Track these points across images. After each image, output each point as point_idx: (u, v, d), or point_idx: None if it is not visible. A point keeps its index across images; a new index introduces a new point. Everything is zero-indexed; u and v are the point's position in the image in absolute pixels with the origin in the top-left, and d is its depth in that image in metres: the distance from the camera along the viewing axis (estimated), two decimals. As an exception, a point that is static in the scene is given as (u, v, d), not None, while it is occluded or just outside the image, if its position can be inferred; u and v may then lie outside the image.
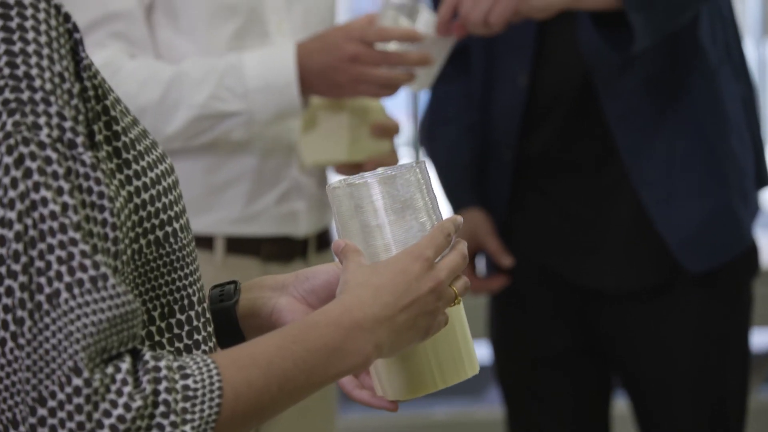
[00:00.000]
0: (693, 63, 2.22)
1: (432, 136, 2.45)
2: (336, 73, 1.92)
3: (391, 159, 2.06)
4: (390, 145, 2.06)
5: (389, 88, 1.93)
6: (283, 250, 2.06)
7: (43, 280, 1.00)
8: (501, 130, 2.33)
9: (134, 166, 1.10)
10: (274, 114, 1.95)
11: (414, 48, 1.96)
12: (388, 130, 2.03)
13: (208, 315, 1.18)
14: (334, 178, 2.10)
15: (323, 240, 2.14)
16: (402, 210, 1.22)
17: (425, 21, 1.98)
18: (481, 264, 2.45)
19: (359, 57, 1.90)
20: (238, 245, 2.03)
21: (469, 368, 1.26)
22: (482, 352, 3.42)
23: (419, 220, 1.23)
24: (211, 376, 1.04)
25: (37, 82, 1.02)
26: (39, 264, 1.00)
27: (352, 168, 2.02)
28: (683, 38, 2.21)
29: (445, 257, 1.22)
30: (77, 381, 0.99)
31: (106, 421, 0.99)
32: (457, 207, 2.41)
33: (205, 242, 2.01)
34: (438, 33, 2.00)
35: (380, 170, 1.25)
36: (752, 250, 2.29)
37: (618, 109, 2.22)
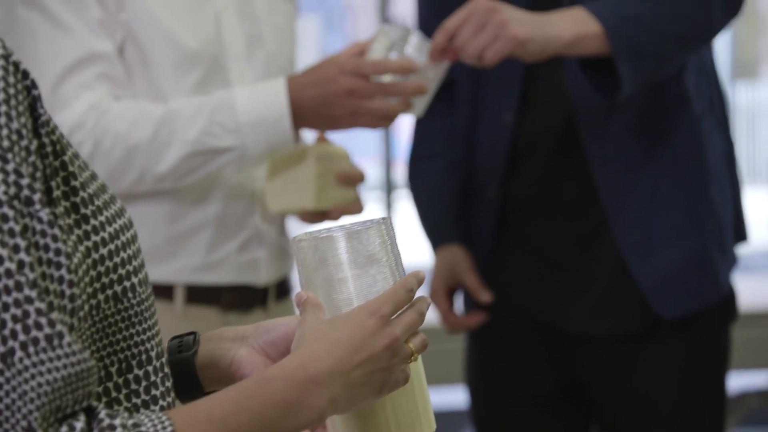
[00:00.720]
0: (677, 110, 2.23)
1: (416, 171, 2.46)
2: (331, 107, 1.91)
3: (356, 207, 2.06)
4: (355, 193, 2.06)
5: (386, 119, 1.93)
6: (243, 299, 2.05)
7: None
8: (485, 166, 2.34)
9: (93, 221, 1.10)
10: (266, 149, 1.95)
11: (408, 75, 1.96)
12: (354, 178, 2.04)
13: (166, 370, 1.17)
14: (296, 226, 2.10)
15: (283, 288, 2.14)
16: (366, 265, 1.23)
17: (417, 47, 1.98)
18: (458, 302, 2.46)
19: (355, 91, 1.90)
20: (198, 294, 2.02)
21: (426, 425, 1.26)
22: (457, 396, 3.42)
23: (382, 275, 1.23)
24: (166, 434, 1.04)
25: None
26: None
27: (316, 216, 2.03)
28: (669, 86, 2.22)
29: (403, 314, 1.22)
30: None
31: None
32: (437, 243, 2.42)
33: (165, 291, 2.01)
34: (431, 59, 1.99)
35: (346, 224, 1.26)
36: (730, 297, 2.30)
37: (601, 151, 2.23)
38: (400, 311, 1.22)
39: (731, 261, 2.30)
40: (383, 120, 1.92)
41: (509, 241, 2.34)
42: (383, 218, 1.25)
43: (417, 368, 1.26)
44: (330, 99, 1.90)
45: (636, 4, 2.09)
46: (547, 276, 2.31)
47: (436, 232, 2.43)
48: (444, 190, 2.41)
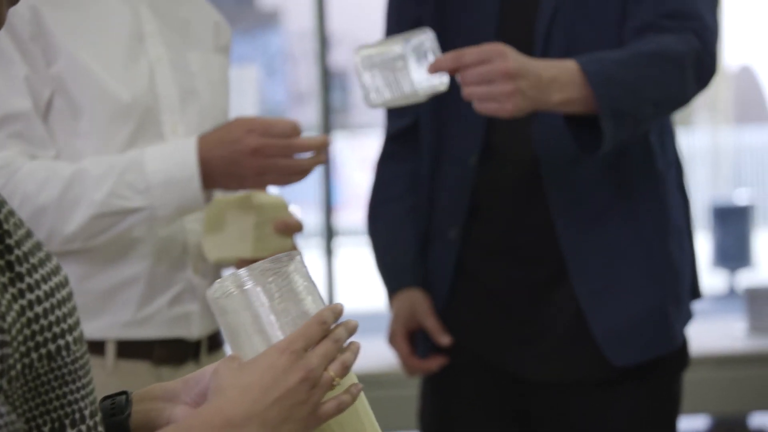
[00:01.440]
0: (642, 165, 2.27)
1: (376, 213, 2.47)
2: (238, 166, 1.92)
3: None
4: (293, 242, 2.07)
5: (297, 174, 1.94)
6: (176, 353, 2.05)
7: None
8: (448, 208, 2.35)
9: (27, 279, 1.09)
10: (176, 209, 1.95)
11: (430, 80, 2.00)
12: (292, 227, 2.04)
13: (100, 429, 1.16)
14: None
15: (215, 341, 2.13)
16: (281, 303, 1.23)
17: (429, 49, 2.03)
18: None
19: (261, 149, 1.91)
20: (129, 349, 2.01)
21: None
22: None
23: (301, 311, 1.24)
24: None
25: None
26: None
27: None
28: (635, 141, 2.26)
29: (318, 345, 1.23)
30: None
31: None
32: (396, 286, 2.42)
33: (96, 347, 1.99)
34: (429, 70, 2.02)
35: (255, 267, 1.25)
36: (683, 347, 2.33)
37: (563, 201, 2.25)
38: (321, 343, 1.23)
39: (686, 315, 2.33)
40: (294, 176, 1.93)
41: (467, 285, 2.36)
42: (294, 254, 1.25)
43: (360, 398, 1.27)
44: (237, 158, 1.91)
45: (622, 67, 2.13)
46: (503, 321, 2.32)
47: (396, 275, 2.43)
48: (404, 233, 2.42)
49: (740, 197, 14.27)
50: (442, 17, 2.34)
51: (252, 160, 1.91)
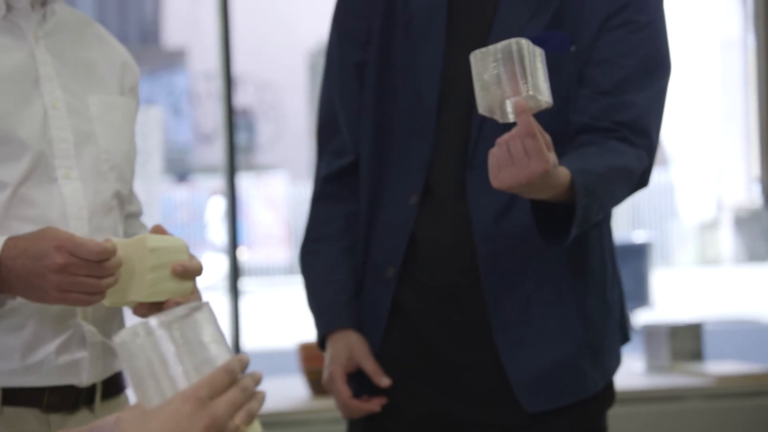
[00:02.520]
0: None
1: (310, 252, 2.44)
2: (41, 280, 1.85)
3: (193, 299, 2.00)
4: (192, 285, 2.01)
5: (97, 294, 1.89)
6: (66, 400, 1.99)
7: None
8: (386, 248, 2.35)
9: None
10: None
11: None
12: (190, 270, 1.97)
13: None
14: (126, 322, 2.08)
15: (112, 387, 2.08)
16: (189, 352, 1.24)
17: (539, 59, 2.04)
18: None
19: (67, 268, 1.85)
20: (17, 396, 1.96)
21: None
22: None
23: (206, 358, 1.24)
24: None
25: None
26: None
27: (151, 308, 1.97)
28: None
29: (225, 393, 1.24)
30: None
31: None
32: (331, 327, 2.38)
33: None
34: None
35: (163, 315, 1.26)
36: (607, 388, 2.37)
37: (488, 250, 2.28)
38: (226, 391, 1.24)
39: (612, 361, 2.37)
40: (97, 296, 1.89)
41: (401, 325, 2.36)
42: (201, 304, 1.26)
43: None
44: (41, 272, 1.85)
45: (601, 181, 2.19)
46: (433, 361, 2.33)
47: (331, 315, 2.39)
48: (340, 273, 2.40)
49: (638, 236, 14.47)
50: (386, 62, 2.36)
51: (56, 276, 1.84)
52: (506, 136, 2.06)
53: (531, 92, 2.03)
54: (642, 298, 11.68)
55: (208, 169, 21.22)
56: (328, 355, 2.39)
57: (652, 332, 4.28)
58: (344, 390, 2.36)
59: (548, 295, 2.30)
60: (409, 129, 2.34)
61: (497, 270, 2.29)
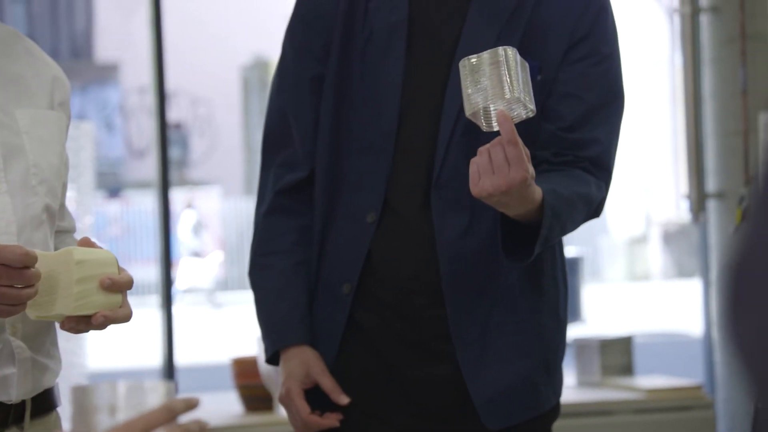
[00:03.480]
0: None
1: (262, 266, 2.41)
2: None
3: (121, 313, 1.97)
4: (121, 298, 1.98)
5: (17, 306, 1.88)
6: None
7: None
8: (342, 264, 2.34)
9: None
10: None
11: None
12: (119, 283, 1.95)
13: None
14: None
15: (41, 404, 2.05)
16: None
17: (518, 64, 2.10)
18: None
19: None
20: None
21: None
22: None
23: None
24: None
25: None
26: None
27: (78, 322, 1.94)
28: None
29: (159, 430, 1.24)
30: None
31: None
32: (285, 343, 2.36)
33: None
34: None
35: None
36: (556, 405, 2.42)
37: (453, 269, 2.30)
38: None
39: (558, 380, 2.42)
40: (18, 307, 1.88)
41: (355, 341, 2.35)
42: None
43: None
44: None
45: (566, 205, 2.24)
46: (390, 379, 2.33)
47: (285, 331, 2.36)
48: (293, 288, 2.37)
49: (568, 251, 14.60)
50: (344, 77, 2.36)
51: None
52: (488, 144, 2.10)
53: (516, 94, 2.08)
54: (573, 313, 11.77)
55: (141, 185, 21.12)
56: (283, 371, 2.37)
57: (582, 346, 4.31)
58: (303, 406, 2.34)
59: (506, 313, 2.33)
60: (368, 145, 2.34)
61: (460, 289, 2.31)
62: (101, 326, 1.94)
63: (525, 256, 2.23)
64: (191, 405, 1.27)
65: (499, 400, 2.33)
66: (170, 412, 1.25)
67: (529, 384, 2.36)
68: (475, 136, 2.22)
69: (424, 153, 2.31)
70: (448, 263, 2.30)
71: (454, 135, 2.28)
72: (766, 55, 4.96)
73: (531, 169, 2.12)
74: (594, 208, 2.34)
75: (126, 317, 1.99)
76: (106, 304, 1.95)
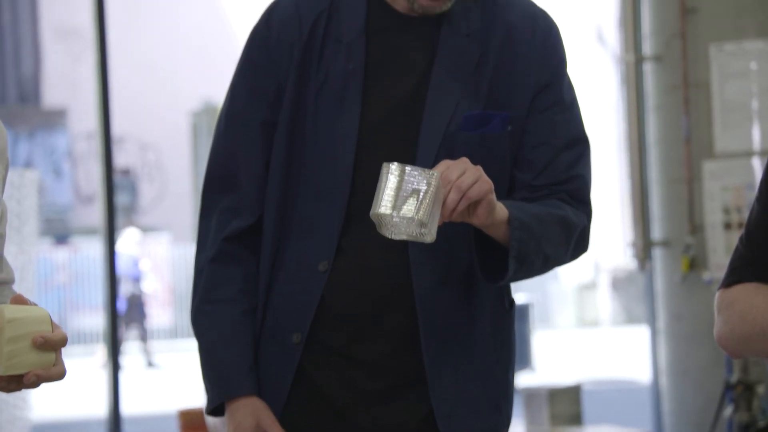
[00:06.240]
0: (494, 300, 2.37)
1: (206, 315, 2.37)
2: None
3: (55, 371, 1.94)
4: (54, 356, 1.95)
5: None
6: None
7: None
8: (292, 313, 2.32)
9: None
10: None
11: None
12: (52, 342, 1.92)
13: None
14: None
15: None
16: None
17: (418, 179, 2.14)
18: None
19: None
20: None
21: None
22: None
23: None
24: None
25: None
26: None
27: (11, 381, 1.92)
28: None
29: None
30: None
31: None
32: (233, 394, 2.33)
33: None
34: (447, 217, 2.17)
35: None
36: None
37: (431, 318, 2.29)
38: None
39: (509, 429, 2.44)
40: None
41: (303, 391, 2.33)
42: None
43: None
44: None
45: (536, 220, 2.27)
46: (338, 428, 2.32)
47: (232, 382, 2.33)
48: (240, 338, 2.34)
49: (518, 298, 14.60)
50: (297, 123, 2.35)
51: None
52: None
53: (422, 218, 2.12)
54: (523, 361, 11.75)
55: (89, 231, 20.98)
56: (230, 422, 2.34)
57: (531, 396, 4.31)
58: None
59: (473, 370, 2.33)
60: (320, 192, 2.33)
61: (436, 337, 2.30)
62: (33, 385, 1.92)
63: (501, 275, 2.25)
64: None
65: None
66: None
67: None
68: None
69: None
70: (426, 313, 2.29)
71: None
72: (708, 103, 5.01)
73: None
74: (577, 234, 2.34)
75: (59, 375, 1.96)
76: (39, 363, 1.92)
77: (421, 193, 2.12)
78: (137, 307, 14.95)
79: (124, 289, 14.58)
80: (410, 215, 2.12)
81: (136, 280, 15.14)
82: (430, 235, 2.14)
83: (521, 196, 2.34)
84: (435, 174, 2.13)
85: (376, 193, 2.13)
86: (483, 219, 2.20)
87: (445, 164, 2.17)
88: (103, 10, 5.60)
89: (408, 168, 2.13)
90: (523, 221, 2.23)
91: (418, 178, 2.13)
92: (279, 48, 2.36)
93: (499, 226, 2.23)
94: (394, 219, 2.13)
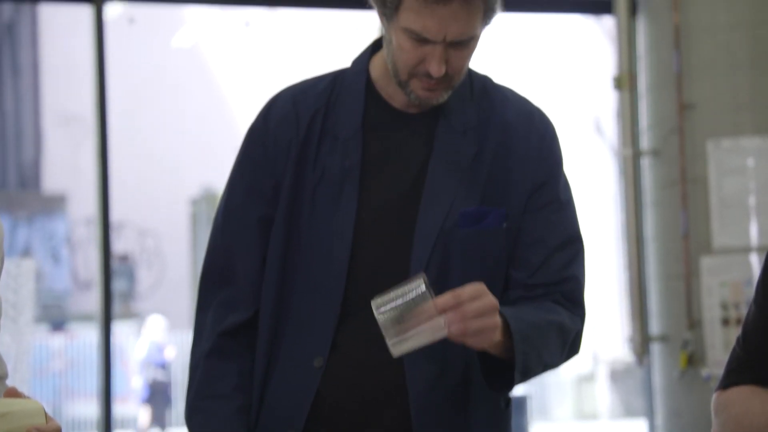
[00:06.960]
0: (489, 402, 2.38)
1: (201, 410, 2.36)
2: None
3: None
4: None
5: None
6: None
7: None
8: (287, 411, 2.31)
9: None
10: None
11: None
12: None
13: None
14: None
15: None
16: None
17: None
18: None
19: None
20: None
21: None
22: None
23: None
24: None
25: None
26: None
27: None
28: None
29: None
30: None
31: None
32: None
33: None
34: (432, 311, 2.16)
35: None
36: None
37: (425, 422, 2.29)
38: None
39: None
40: None
41: None
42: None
43: None
44: None
45: (536, 330, 2.29)
46: None
47: None
48: None
49: (516, 390, 14.54)
50: (293, 219, 2.36)
51: None
52: (455, 327, 2.17)
53: (392, 339, 2.16)
54: (521, 454, 11.66)
55: (86, 317, 20.93)
56: None
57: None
58: None
59: None
60: (316, 288, 2.33)
61: None
62: None
63: (506, 384, 2.28)
64: None
65: None
66: None
67: None
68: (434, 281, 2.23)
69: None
70: (420, 413, 2.29)
71: None
72: (706, 198, 5.02)
73: (483, 286, 2.19)
74: (571, 340, 2.36)
75: None
76: None
77: (412, 323, 2.16)
78: (161, 394, 14.84)
79: (147, 376, 14.53)
80: (388, 332, 2.16)
81: (161, 366, 15.08)
82: (395, 350, 2.16)
83: (517, 295, 2.34)
84: (441, 321, 2.15)
85: (392, 290, 2.17)
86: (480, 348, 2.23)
87: (470, 292, 2.18)
88: (104, 96, 5.64)
89: (428, 292, 2.16)
90: (525, 335, 2.24)
91: (427, 309, 2.15)
92: (276, 145, 2.38)
93: (497, 344, 2.24)
94: (377, 316, 2.16)
